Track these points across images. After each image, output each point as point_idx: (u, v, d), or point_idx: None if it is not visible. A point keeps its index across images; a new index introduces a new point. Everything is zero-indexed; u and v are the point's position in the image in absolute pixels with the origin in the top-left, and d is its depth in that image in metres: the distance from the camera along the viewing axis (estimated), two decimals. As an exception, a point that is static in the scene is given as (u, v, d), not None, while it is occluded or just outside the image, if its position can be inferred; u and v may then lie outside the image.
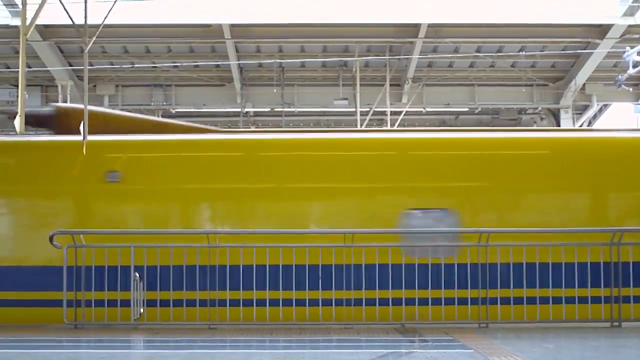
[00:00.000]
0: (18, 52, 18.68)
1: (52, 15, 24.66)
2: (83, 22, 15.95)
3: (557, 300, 12.32)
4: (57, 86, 33.24)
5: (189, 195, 13.39)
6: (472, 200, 13.35)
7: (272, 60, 32.69)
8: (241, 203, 13.42)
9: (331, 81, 34.84)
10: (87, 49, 16.04)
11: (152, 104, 35.23)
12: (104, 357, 9.85)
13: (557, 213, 13.39)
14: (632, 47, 28.67)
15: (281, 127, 34.30)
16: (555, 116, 35.85)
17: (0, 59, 32.63)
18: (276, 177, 13.48)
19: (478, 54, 32.64)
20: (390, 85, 33.77)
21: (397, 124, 34.84)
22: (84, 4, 15.75)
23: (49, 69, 31.95)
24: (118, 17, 23.70)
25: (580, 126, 36.32)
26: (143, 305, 12.44)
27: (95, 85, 34.01)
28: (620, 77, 29.58)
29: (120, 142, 13.83)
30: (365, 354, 9.71)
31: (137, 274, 12.31)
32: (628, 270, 12.41)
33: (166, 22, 30.34)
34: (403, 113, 34.84)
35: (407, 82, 34.01)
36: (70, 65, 32.64)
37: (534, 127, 35.80)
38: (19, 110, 15.28)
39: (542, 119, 37.11)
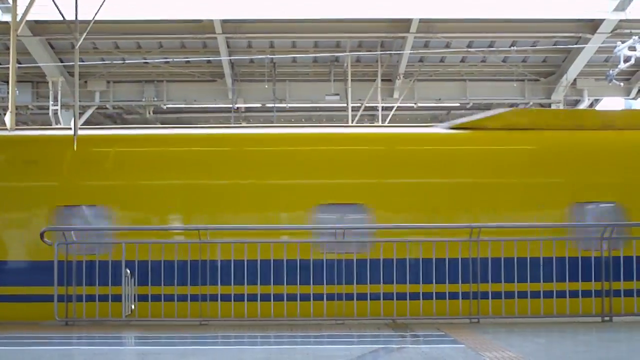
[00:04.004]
0: (8, 48, 18.62)
1: (43, 11, 24.59)
2: (74, 18, 15.92)
3: (548, 295, 12.35)
4: (47, 82, 33.14)
5: None
6: None
7: (264, 56, 32.64)
8: None
9: (323, 77, 34.80)
10: (78, 45, 16.01)
11: (144, 99, 35.14)
12: (96, 353, 9.84)
13: None
14: (623, 42, 28.70)
15: (273, 123, 34.25)
16: (547, 111, 35.90)
17: (-9, 55, 32.54)
18: None
19: (469, 49, 32.64)
20: (382, 80, 33.74)
21: (388, 120, 34.84)
22: (74, -1, 15.73)
23: (39, 65, 31.82)
24: (109, 13, 23.65)
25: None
26: (134, 301, 12.44)
27: (86, 81, 33.93)
28: (611, 72, 29.60)
29: None
30: (356, 350, 9.71)
31: (128, 270, 12.31)
32: (619, 265, 12.45)
33: (157, 17, 30.23)
34: (394, 108, 34.85)
35: (398, 77, 33.98)
36: (61, 61, 32.54)
37: None
38: (9, 106, 15.22)
39: (533, 113, 37.11)
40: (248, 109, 37.19)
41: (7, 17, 26.69)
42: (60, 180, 13.70)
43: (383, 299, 12.28)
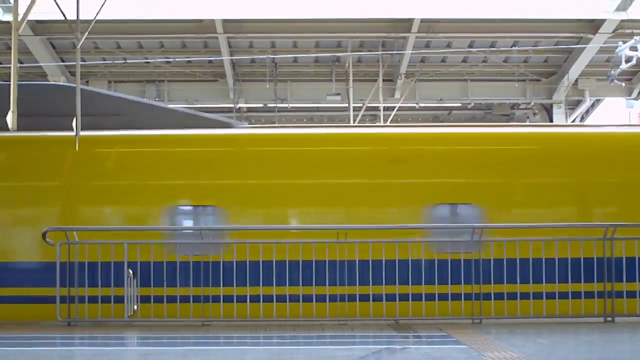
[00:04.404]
0: (10, 48, 18.61)
1: (44, 11, 24.54)
2: (75, 18, 15.90)
3: (550, 296, 12.34)
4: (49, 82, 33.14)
5: None
6: None
7: (265, 56, 32.63)
8: None
9: (324, 77, 34.79)
10: (80, 45, 15.99)
11: (145, 99, 35.12)
12: (98, 354, 9.84)
13: None
14: (624, 42, 28.69)
15: (274, 123, 34.25)
16: (548, 111, 35.86)
17: (-8, 54, 32.55)
18: None
19: (471, 49, 32.62)
20: (383, 80, 33.73)
21: (389, 120, 34.83)
22: (76, -1, 15.70)
23: (41, 64, 31.82)
24: (110, 13, 23.62)
25: (573, 121, 36.34)
26: (137, 302, 12.43)
27: (87, 81, 33.90)
28: (612, 72, 29.59)
29: None
30: (359, 350, 9.71)
31: (131, 271, 12.30)
32: (621, 266, 12.44)
33: (158, 17, 30.24)
34: (396, 109, 34.83)
35: (399, 77, 33.97)
36: (63, 61, 32.53)
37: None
38: (11, 107, 15.19)
39: (534, 114, 37.12)
40: (249, 109, 37.20)
41: (8, 17, 26.67)
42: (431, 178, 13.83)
43: (385, 300, 12.28)
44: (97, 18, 17.29)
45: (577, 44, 31.75)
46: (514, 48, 32.22)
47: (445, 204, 13.50)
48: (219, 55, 32.19)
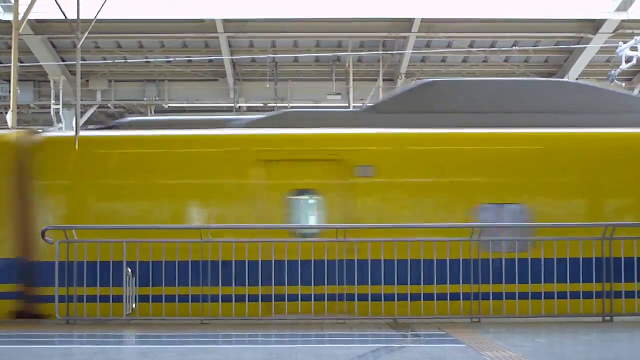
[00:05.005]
0: (10, 47, 18.66)
1: (45, 10, 24.62)
2: (75, 17, 15.93)
3: (549, 295, 12.33)
4: (49, 81, 33.17)
5: None
6: None
7: (265, 55, 32.67)
8: None
9: (324, 76, 34.83)
10: (80, 44, 16.02)
11: (145, 99, 35.17)
12: (96, 352, 9.84)
13: None
14: (624, 42, 28.70)
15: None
16: (548, 111, 35.90)
17: (-7, 54, 32.59)
18: None
19: (471, 49, 32.66)
20: (383, 80, 33.76)
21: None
22: (76, -2, 15.73)
23: (41, 64, 31.87)
24: (111, 12, 23.67)
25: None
26: (135, 301, 12.44)
27: (87, 80, 33.94)
28: (613, 72, 29.59)
29: None
30: (357, 349, 9.71)
31: (130, 269, 12.31)
32: (620, 265, 12.43)
33: (159, 17, 30.30)
34: (396, 108, 34.81)
35: (400, 77, 34.01)
36: (63, 60, 32.56)
37: None
38: (11, 105, 15.23)
39: (535, 113, 37.09)
40: (250, 109, 37.20)
41: (9, 16, 26.71)
42: None
43: (384, 300, 12.27)
44: (97, 17, 17.34)
45: (577, 44, 31.78)
46: (514, 48, 32.25)
47: None
48: (219, 55, 32.24)
